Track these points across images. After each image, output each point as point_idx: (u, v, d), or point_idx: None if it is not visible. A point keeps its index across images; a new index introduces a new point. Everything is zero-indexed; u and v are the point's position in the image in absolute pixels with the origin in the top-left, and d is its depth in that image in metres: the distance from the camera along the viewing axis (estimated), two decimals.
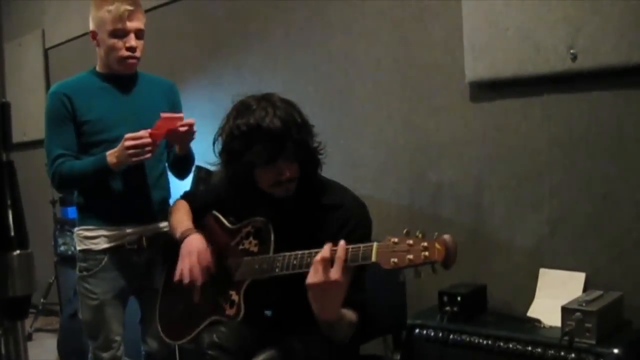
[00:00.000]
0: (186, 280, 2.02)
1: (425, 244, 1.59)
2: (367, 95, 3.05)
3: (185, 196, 2.40)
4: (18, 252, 0.99)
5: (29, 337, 4.65)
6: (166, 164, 2.61)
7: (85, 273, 2.46)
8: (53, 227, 4.58)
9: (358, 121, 3.09)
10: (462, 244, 2.65)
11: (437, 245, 1.58)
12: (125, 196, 2.44)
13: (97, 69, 2.50)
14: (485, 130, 2.65)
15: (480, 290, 2.56)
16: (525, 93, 2.52)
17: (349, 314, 1.87)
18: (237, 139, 1.88)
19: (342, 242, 1.71)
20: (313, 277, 1.69)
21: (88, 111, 2.40)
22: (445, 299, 2.45)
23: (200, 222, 2.26)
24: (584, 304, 2.14)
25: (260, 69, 3.53)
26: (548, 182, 2.49)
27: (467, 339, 2.33)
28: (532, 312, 2.45)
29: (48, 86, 5.19)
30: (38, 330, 4.82)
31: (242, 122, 1.86)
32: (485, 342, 2.29)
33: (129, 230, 2.46)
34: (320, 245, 1.78)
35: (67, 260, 4.35)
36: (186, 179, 2.72)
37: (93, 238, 2.45)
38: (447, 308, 2.43)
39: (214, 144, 2.00)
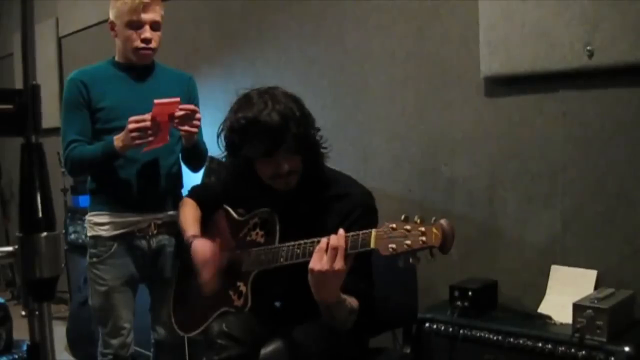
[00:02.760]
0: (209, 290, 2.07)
1: (423, 229, 1.60)
2: (381, 88, 3.04)
3: (192, 192, 2.41)
4: (45, 234, 1.00)
5: None
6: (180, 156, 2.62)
7: (94, 259, 2.48)
8: (64, 215, 4.61)
9: (371, 115, 3.09)
10: (474, 239, 2.71)
11: (434, 230, 1.58)
12: (136, 184, 2.46)
13: (116, 58, 2.53)
14: (499, 125, 2.64)
15: (491, 286, 2.56)
16: (540, 89, 2.51)
17: (350, 300, 1.87)
18: (236, 132, 1.91)
19: (341, 231, 1.72)
20: (315, 264, 1.71)
21: (103, 98, 2.43)
22: (456, 293, 2.46)
23: (210, 216, 2.28)
24: (595, 302, 2.14)
25: (274, 62, 3.54)
26: (561, 179, 2.49)
27: (478, 334, 2.34)
28: (543, 309, 2.44)
29: (61, 75, 5.22)
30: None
31: (241, 115, 1.89)
32: (495, 337, 2.29)
33: (139, 218, 2.48)
34: (325, 235, 1.80)
35: (77, 248, 4.36)
36: (199, 171, 2.72)
37: (103, 224, 2.47)
38: (458, 303, 2.43)
39: (218, 136, 2.03)
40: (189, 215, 2.28)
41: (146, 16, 2.39)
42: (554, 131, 2.49)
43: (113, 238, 2.46)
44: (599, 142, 2.39)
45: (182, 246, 2.32)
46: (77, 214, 4.35)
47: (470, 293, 2.43)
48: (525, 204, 2.60)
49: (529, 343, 2.21)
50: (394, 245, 1.62)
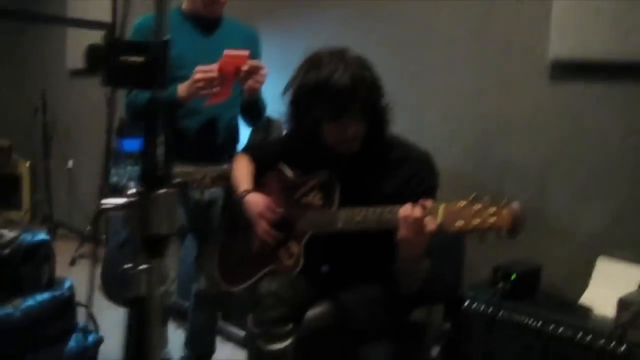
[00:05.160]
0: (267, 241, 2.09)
1: (494, 210, 1.59)
2: (441, 64, 3.00)
3: (248, 149, 2.41)
4: (164, 190, 0.99)
5: (73, 262, 4.78)
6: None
7: None
8: (106, 157, 4.65)
9: (427, 89, 3.05)
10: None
11: (505, 212, 1.58)
12: (195, 135, 2.46)
13: (183, 6, 2.51)
14: (560, 111, 2.60)
15: (534, 271, 2.54)
16: (608, 78, 2.46)
17: (427, 262, 1.90)
18: (305, 93, 1.90)
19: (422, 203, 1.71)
20: (404, 232, 1.71)
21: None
22: (500, 275, 2.45)
23: (264, 174, 2.29)
24: None
25: (334, 24, 3.49)
26: (619, 172, 2.45)
27: (517, 318, 2.33)
28: (585, 300, 2.43)
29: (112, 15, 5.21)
30: (82, 256, 4.93)
31: (311, 76, 1.88)
32: (535, 323, 2.28)
33: (194, 169, 2.49)
34: (387, 200, 1.83)
35: (118, 191, 4.43)
36: (256, 125, 2.73)
37: None
38: (500, 284, 2.43)
39: (283, 94, 2.01)
40: (243, 171, 2.29)
41: None
42: (616, 123, 2.45)
43: None
44: None
45: (232, 200, 2.35)
46: (120, 157, 4.40)
47: (513, 276, 2.42)
48: (578, 193, 2.57)
49: (569, 333, 2.20)
50: (461, 223, 1.61)
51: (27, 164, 6.10)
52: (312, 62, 1.91)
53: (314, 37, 3.49)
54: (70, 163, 5.79)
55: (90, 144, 5.45)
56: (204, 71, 2.24)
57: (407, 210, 1.70)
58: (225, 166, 2.54)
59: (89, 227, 4.97)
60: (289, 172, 2.21)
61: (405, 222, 1.70)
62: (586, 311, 2.35)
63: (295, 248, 2.02)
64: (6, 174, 6.02)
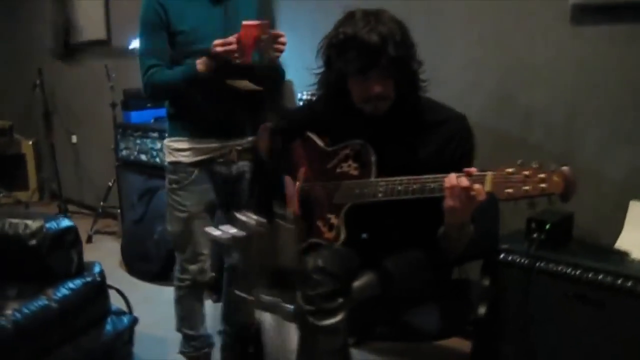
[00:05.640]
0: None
1: (543, 175, 1.56)
2: (457, 12, 2.92)
3: (276, 118, 2.36)
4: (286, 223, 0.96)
5: (89, 240, 4.77)
6: None
7: (175, 185, 2.48)
8: (113, 131, 4.61)
9: (445, 39, 2.98)
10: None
11: (555, 178, 1.55)
12: (217, 109, 2.41)
13: None
14: (584, 54, 2.55)
15: (567, 219, 2.53)
16: (632, 19, 2.40)
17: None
18: (333, 46, 1.89)
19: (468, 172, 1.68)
20: (451, 202, 1.69)
21: (182, 21, 2.35)
22: (534, 225, 2.44)
23: (291, 143, 2.25)
24: None
25: None
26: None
27: (555, 268, 2.32)
28: (620, 244, 2.42)
29: None
30: (97, 232, 4.92)
31: (341, 30, 1.86)
32: (573, 271, 2.27)
33: (220, 144, 2.45)
34: (423, 166, 1.82)
35: (128, 165, 4.40)
36: (276, 94, 2.68)
37: (184, 150, 2.44)
38: (535, 235, 2.42)
39: (317, 53, 1.98)
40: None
41: None
42: None
43: (194, 164, 2.44)
44: None
45: (261, 171, 2.32)
46: (128, 130, 4.34)
47: (548, 226, 2.41)
48: (606, 137, 2.54)
49: (608, 279, 2.19)
50: (510, 190, 1.59)
51: (30, 143, 6.04)
52: (345, 19, 1.89)
53: None
54: (74, 138, 5.74)
55: (93, 118, 5.39)
56: (223, 44, 2.18)
57: (453, 180, 1.67)
58: (250, 138, 2.50)
59: (102, 203, 4.93)
60: (318, 141, 2.17)
61: (452, 192, 1.68)
62: (623, 256, 2.34)
63: (335, 220, 1.99)
64: (10, 155, 5.97)
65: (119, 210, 4.69)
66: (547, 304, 2.33)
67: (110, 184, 4.87)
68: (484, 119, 2.86)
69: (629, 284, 2.15)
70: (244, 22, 2.20)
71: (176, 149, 2.46)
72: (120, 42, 4.78)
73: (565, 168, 1.55)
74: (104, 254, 4.22)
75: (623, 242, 2.42)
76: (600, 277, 2.22)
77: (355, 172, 2.00)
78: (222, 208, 2.58)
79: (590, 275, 2.24)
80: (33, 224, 2.62)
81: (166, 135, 2.54)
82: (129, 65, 4.62)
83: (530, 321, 2.35)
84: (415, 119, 1.97)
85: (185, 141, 2.44)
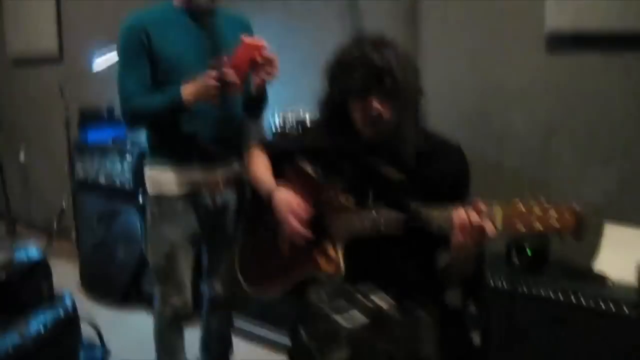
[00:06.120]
0: (296, 236, 2.01)
1: (555, 212, 1.57)
2: (433, 31, 2.96)
3: (262, 143, 2.32)
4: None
5: None
6: None
7: (157, 218, 2.39)
8: (67, 150, 4.46)
9: (422, 61, 2.98)
10: (525, 194, 2.70)
11: (567, 215, 1.56)
12: (203, 137, 2.34)
13: (174, 2, 2.35)
14: (558, 80, 2.62)
15: (545, 242, 2.58)
16: (607, 48, 2.48)
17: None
18: (338, 65, 1.90)
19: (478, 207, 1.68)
20: (461, 237, 1.68)
21: (165, 47, 2.27)
22: (513, 250, 2.48)
23: (281, 170, 2.21)
24: None
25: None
26: (621, 138, 2.49)
27: (537, 292, 2.35)
28: (598, 267, 2.48)
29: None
30: (51, 254, 4.71)
31: (348, 50, 1.88)
32: (555, 296, 2.31)
33: (205, 174, 2.38)
34: (421, 197, 1.80)
35: (85, 186, 4.24)
36: (256, 121, 2.63)
37: (167, 182, 2.36)
38: (515, 259, 2.46)
39: (322, 75, 1.97)
40: (263, 167, 2.20)
41: None
42: (616, 90, 2.49)
43: (178, 196, 2.36)
44: None
45: (251, 199, 2.27)
46: (85, 150, 4.20)
47: (529, 251, 2.45)
48: (581, 160, 2.61)
49: (592, 303, 2.23)
50: (522, 227, 1.59)
51: None
52: (353, 42, 1.91)
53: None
54: (22, 156, 5.51)
55: (44, 136, 5.21)
56: (219, 77, 2.12)
57: (462, 215, 1.67)
58: (235, 166, 2.45)
59: (55, 226, 4.76)
60: (311, 170, 2.14)
61: (461, 228, 1.67)
62: (603, 279, 2.40)
63: (333, 253, 1.97)
64: None
65: (74, 232, 4.53)
66: (529, 327, 2.37)
67: (63, 204, 4.70)
68: (460, 140, 2.89)
69: (611, 306, 2.21)
70: (245, 39, 2.14)
71: (158, 180, 2.38)
72: (75, 58, 4.64)
73: (576, 206, 1.57)
74: (60, 278, 3.98)
75: (601, 265, 2.49)
76: (583, 300, 2.26)
77: (351, 204, 1.98)
78: (205, 240, 2.52)
79: (573, 299, 2.28)
80: (1, 257, 2.52)
81: (145, 163, 2.46)
82: (84, 83, 4.51)
83: (514, 345, 2.39)
84: (412, 147, 1.97)
85: (169, 171, 2.36)
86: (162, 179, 2.37)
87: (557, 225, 1.56)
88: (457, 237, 1.69)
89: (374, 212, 1.89)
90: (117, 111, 4.35)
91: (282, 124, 3.07)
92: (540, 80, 2.66)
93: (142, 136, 3.99)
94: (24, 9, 5.16)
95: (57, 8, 4.93)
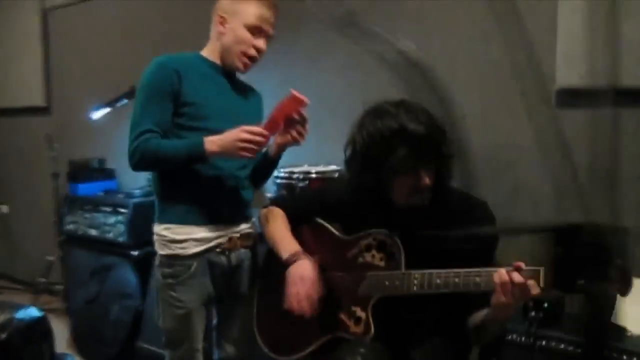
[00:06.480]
0: (295, 311, 1.97)
1: None
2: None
3: (279, 202, 2.28)
4: None
5: None
6: None
7: (171, 280, 2.26)
8: (55, 203, 4.36)
9: None
10: (539, 248, 2.69)
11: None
12: (218, 194, 2.27)
13: (205, 55, 2.31)
14: (570, 137, 2.61)
15: (560, 296, 2.57)
16: (618, 104, 2.49)
17: None
18: (378, 143, 1.80)
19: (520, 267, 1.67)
20: (503, 298, 1.66)
21: (195, 93, 2.19)
22: (531, 304, 2.45)
23: (298, 229, 2.18)
24: None
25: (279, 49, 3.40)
26: (634, 195, 2.50)
27: (558, 346, 2.33)
28: (618, 319, 2.46)
29: (46, 50, 4.88)
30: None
31: (384, 125, 1.79)
32: (576, 349, 2.29)
33: (220, 233, 2.30)
34: (452, 256, 1.79)
35: (75, 240, 4.13)
36: (260, 187, 2.57)
37: (181, 242, 2.24)
38: (533, 313, 2.43)
39: (346, 152, 1.91)
40: (283, 228, 2.15)
41: (269, 28, 2.25)
42: (629, 146, 2.50)
43: (192, 256, 2.25)
44: None
45: (268, 260, 2.23)
46: (76, 203, 4.11)
47: (546, 304, 2.43)
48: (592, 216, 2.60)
49: (614, 355, 2.20)
50: None
51: None
52: (379, 113, 1.83)
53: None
54: (4, 208, 5.38)
55: (29, 188, 5.10)
56: (252, 133, 2.07)
57: (504, 275, 1.65)
58: (248, 225, 2.40)
59: (43, 279, 4.62)
60: (332, 229, 2.10)
61: (504, 288, 1.65)
62: (621, 330, 2.38)
63: (362, 313, 1.93)
64: None
65: (62, 287, 4.40)
66: None
67: (51, 258, 4.57)
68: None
69: (633, 358, 2.19)
70: (293, 92, 2.10)
71: (172, 240, 2.25)
72: (63, 109, 4.59)
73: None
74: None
75: (620, 317, 2.47)
76: (607, 355, 2.24)
77: (381, 263, 1.94)
78: (217, 300, 2.41)
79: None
80: (2, 316, 2.40)
81: (155, 223, 2.34)
82: (74, 135, 4.45)
83: None
84: (442, 207, 1.95)
85: (183, 230, 2.25)
86: (176, 237, 2.26)
87: None
88: (499, 297, 1.67)
89: (406, 271, 1.86)
90: (109, 163, 4.35)
91: (287, 179, 3.04)
92: (551, 135, 2.66)
93: (137, 189, 3.97)
94: (10, 60, 5.11)
95: (44, 59, 4.88)
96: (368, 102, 1.90)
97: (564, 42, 2.55)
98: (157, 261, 2.32)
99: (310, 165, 3.15)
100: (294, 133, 2.18)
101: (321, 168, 3.12)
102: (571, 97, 2.61)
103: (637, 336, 2.32)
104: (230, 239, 2.32)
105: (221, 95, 2.29)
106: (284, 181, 3.04)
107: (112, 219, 3.85)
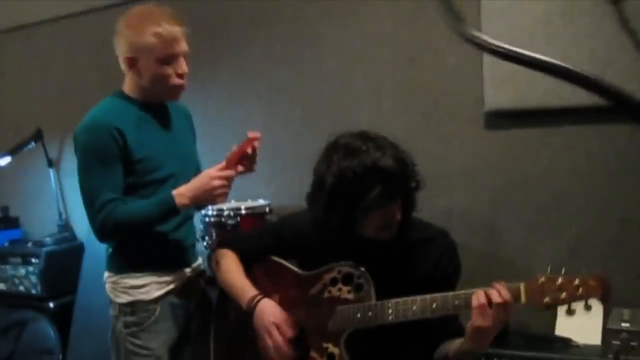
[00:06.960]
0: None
1: (578, 281, 1.61)
2: (366, 120, 2.95)
3: (229, 242, 2.20)
4: None
5: None
6: None
7: (134, 328, 2.15)
8: None
9: None
10: (475, 269, 2.73)
11: (591, 282, 1.61)
12: (174, 237, 2.20)
13: (128, 93, 2.16)
14: (501, 158, 2.72)
15: None
16: (546, 124, 2.62)
17: None
18: (352, 182, 1.73)
19: (499, 286, 1.67)
20: (481, 320, 1.65)
21: (140, 147, 2.08)
22: None
23: (253, 270, 2.11)
24: (628, 325, 2.27)
25: (233, 84, 3.35)
26: (567, 210, 2.61)
27: None
28: (559, 332, 2.54)
29: None
30: None
31: (357, 164, 1.73)
32: None
33: (178, 274, 2.23)
34: (417, 285, 1.79)
35: None
36: None
37: (142, 287, 2.15)
38: None
39: (313, 194, 1.87)
40: (238, 271, 2.08)
41: (181, 47, 2.08)
42: (559, 164, 2.62)
43: (155, 300, 2.15)
44: (605, 173, 2.55)
45: (217, 304, 2.16)
46: None
47: None
48: (529, 233, 2.69)
49: None
50: (548, 299, 1.63)
51: None
52: (347, 149, 1.77)
53: (208, 100, 3.31)
54: None
55: None
56: (223, 178, 2.02)
57: (482, 297, 1.66)
58: (199, 261, 2.35)
59: None
60: (292, 266, 2.05)
61: (482, 311, 1.65)
62: (566, 342, 2.46)
63: (334, 349, 1.88)
64: None
65: None
66: None
67: None
68: None
69: None
70: (250, 133, 2.05)
71: (132, 286, 2.15)
72: None
73: (597, 271, 1.62)
74: None
75: (561, 329, 2.56)
76: None
77: (349, 296, 1.90)
78: (183, 340, 2.30)
79: None
80: None
81: (109, 271, 2.22)
82: None
83: None
84: (405, 237, 1.95)
85: (142, 276, 2.15)
86: (136, 283, 2.16)
87: (582, 292, 1.60)
88: (476, 320, 1.67)
89: (379, 302, 1.84)
90: (17, 212, 4.07)
91: (217, 217, 2.96)
92: (481, 157, 2.75)
93: (47, 237, 3.73)
94: None
95: None
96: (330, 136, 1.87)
97: (490, 66, 2.64)
98: (114, 311, 2.20)
99: (236, 201, 3.10)
100: (249, 165, 2.13)
101: (250, 203, 3.07)
102: (500, 119, 2.70)
103: (582, 345, 2.42)
104: (189, 279, 2.27)
105: (160, 137, 2.19)
106: (213, 219, 2.97)
107: (22, 271, 3.61)
